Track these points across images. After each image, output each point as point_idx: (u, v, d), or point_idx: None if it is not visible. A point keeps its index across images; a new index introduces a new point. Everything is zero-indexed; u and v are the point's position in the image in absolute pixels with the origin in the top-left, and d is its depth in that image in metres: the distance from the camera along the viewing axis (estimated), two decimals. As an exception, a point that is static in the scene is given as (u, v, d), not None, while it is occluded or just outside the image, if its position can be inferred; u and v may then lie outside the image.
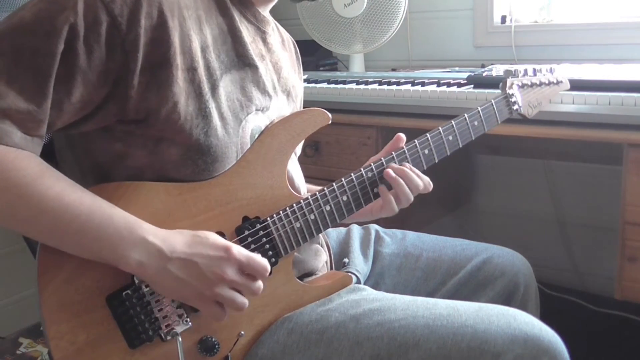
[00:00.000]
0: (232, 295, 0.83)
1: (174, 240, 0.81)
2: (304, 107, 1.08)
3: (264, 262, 0.85)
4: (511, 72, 1.17)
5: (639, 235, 1.32)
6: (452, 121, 1.06)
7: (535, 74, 1.20)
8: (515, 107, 1.14)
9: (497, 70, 1.58)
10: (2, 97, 0.74)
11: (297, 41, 1.19)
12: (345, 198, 0.97)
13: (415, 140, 1.03)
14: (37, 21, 0.76)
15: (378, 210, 1.06)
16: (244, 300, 0.84)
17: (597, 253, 2.03)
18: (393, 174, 0.98)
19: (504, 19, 2.08)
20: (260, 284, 0.85)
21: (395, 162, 1.00)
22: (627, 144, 1.30)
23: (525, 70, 1.19)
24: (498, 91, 1.16)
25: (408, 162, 1.01)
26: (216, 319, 0.85)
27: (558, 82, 1.25)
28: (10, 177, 0.74)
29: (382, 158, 1.00)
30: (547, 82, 1.22)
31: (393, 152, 1.01)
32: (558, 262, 2.12)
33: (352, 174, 0.98)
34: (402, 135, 1.04)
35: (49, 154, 0.86)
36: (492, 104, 1.11)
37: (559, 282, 2.08)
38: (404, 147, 1.02)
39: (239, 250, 0.83)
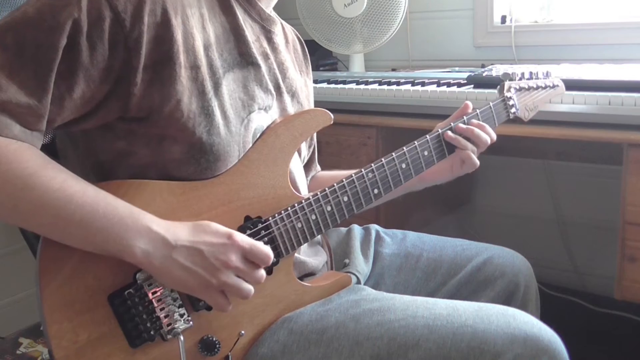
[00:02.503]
0: (237, 282, 0.83)
1: (177, 229, 0.81)
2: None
3: (267, 249, 0.85)
4: (508, 76, 1.18)
5: (639, 235, 1.32)
6: (452, 123, 1.07)
7: (531, 78, 1.22)
8: (513, 110, 1.15)
9: (497, 70, 1.58)
10: (3, 90, 0.74)
11: (297, 41, 1.19)
12: (346, 198, 0.97)
13: (415, 142, 1.04)
14: (40, 16, 0.76)
15: (459, 168, 1.10)
16: (249, 287, 0.84)
17: (597, 253, 2.03)
18: (464, 126, 1.07)
19: (504, 19, 2.08)
20: (262, 272, 0.86)
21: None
22: (627, 144, 1.31)
23: (522, 74, 1.20)
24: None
25: (407, 161, 1.02)
26: (221, 309, 0.85)
27: (554, 86, 1.25)
28: (12, 168, 0.74)
29: (394, 154, 1.01)
30: (543, 85, 1.23)
31: (405, 148, 1.02)
32: (558, 262, 2.12)
33: (352, 174, 0.98)
34: (469, 103, 1.11)
35: (51, 154, 0.86)
36: (490, 107, 1.12)
37: (559, 282, 2.08)
38: (404, 148, 1.02)
39: (241, 237, 0.83)
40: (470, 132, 1.07)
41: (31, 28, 0.75)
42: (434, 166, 1.07)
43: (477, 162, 1.10)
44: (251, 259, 0.84)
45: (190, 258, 0.81)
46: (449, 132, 1.06)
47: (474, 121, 1.09)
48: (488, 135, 1.09)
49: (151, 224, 0.80)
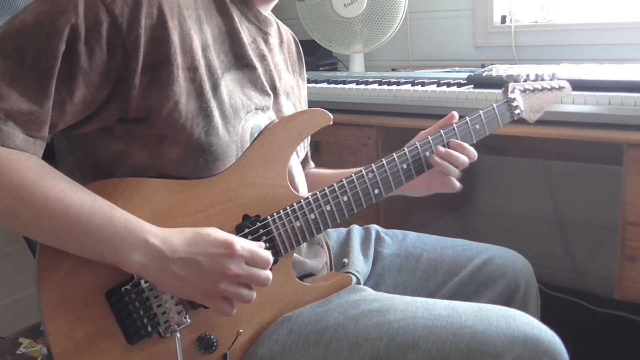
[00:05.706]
0: (236, 291, 0.83)
1: (174, 239, 0.81)
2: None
3: (267, 255, 0.84)
4: (513, 77, 1.17)
5: (639, 235, 1.32)
6: (454, 124, 1.06)
7: (537, 79, 1.20)
8: (517, 111, 1.14)
9: (497, 70, 1.58)
10: (5, 98, 0.74)
11: (297, 41, 1.19)
12: (345, 198, 0.97)
13: (417, 143, 1.03)
14: (38, 23, 0.76)
15: (438, 187, 1.08)
16: (250, 294, 0.84)
17: (597, 253, 2.03)
18: (439, 160, 1.03)
19: (504, 19, 2.08)
20: (268, 273, 0.85)
21: (418, 151, 1.03)
22: (627, 144, 1.30)
23: (527, 75, 1.19)
24: (498, 91, 1.16)
25: (408, 161, 1.01)
26: (224, 314, 0.85)
27: (560, 88, 1.24)
28: (13, 179, 0.75)
29: (394, 154, 1.01)
30: (549, 87, 1.21)
31: (405, 148, 1.02)
32: (558, 262, 2.12)
33: (352, 174, 0.98)
34: (455, 114, 1.08)
35: (48, 156, 0.86)
36: (494, 108, 1.10)
37: (559, 282, 2.08)
38: (405, 149, 1.02)
39: (242, 245, 0.82)
40: (449, 156, 1.04)
41: (30, 36, 0.76)
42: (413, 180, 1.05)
43: (458, 185, 1.08)
44: (253, 265, 0.84)
45: (187, 270, 0.80)
46: (436, 158, 1.03)
47: (454, 141, 1.05)
48: (467, 156, 1.06)
49: (148, 236, 0.79)
